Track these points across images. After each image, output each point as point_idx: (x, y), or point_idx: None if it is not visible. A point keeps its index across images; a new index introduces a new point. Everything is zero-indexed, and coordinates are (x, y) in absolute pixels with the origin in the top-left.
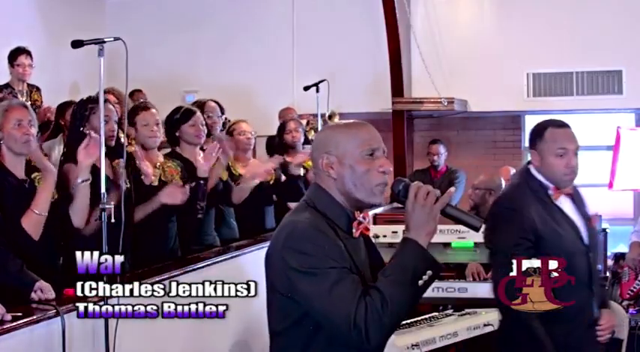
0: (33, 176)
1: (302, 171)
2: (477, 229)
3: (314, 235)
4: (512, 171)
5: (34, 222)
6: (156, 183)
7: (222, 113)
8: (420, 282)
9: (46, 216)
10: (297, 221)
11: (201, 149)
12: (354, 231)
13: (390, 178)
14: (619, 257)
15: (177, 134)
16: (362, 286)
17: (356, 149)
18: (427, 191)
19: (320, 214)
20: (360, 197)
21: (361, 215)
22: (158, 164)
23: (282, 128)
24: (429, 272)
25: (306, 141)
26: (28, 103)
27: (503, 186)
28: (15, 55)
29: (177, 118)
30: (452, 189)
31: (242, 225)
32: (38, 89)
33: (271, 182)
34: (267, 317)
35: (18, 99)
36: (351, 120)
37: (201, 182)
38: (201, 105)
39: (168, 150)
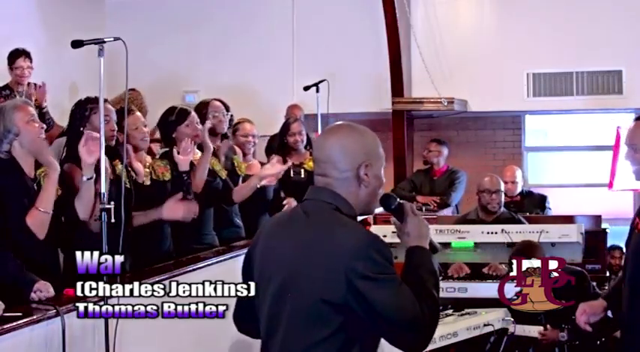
0: (38, 172)
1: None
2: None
3: (376, 242)
4: (518, 171)
5: (39, 220)
6: (148, 183)
7: (228, 111)
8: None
9: (50, 213)
10: (355, 230)
11: (200, 148)
12: None
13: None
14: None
15: (173, 136)
16: None
17: (381, 159)
18: (413, 205)
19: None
20: (372, 207)
21: None
22: (148, 164)
23: (285, 129)
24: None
25: (308, 143)
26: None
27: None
28: (13, 57)
29: (173, 120)
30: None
31: (247, 224)
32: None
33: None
34: (291, 331)
35: (22, 99)
36: (361, 126)
37: (184, 176)
38: (205, 104)
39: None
